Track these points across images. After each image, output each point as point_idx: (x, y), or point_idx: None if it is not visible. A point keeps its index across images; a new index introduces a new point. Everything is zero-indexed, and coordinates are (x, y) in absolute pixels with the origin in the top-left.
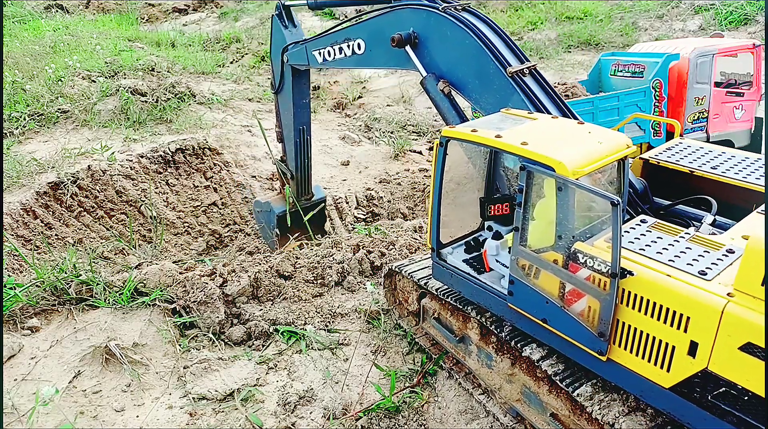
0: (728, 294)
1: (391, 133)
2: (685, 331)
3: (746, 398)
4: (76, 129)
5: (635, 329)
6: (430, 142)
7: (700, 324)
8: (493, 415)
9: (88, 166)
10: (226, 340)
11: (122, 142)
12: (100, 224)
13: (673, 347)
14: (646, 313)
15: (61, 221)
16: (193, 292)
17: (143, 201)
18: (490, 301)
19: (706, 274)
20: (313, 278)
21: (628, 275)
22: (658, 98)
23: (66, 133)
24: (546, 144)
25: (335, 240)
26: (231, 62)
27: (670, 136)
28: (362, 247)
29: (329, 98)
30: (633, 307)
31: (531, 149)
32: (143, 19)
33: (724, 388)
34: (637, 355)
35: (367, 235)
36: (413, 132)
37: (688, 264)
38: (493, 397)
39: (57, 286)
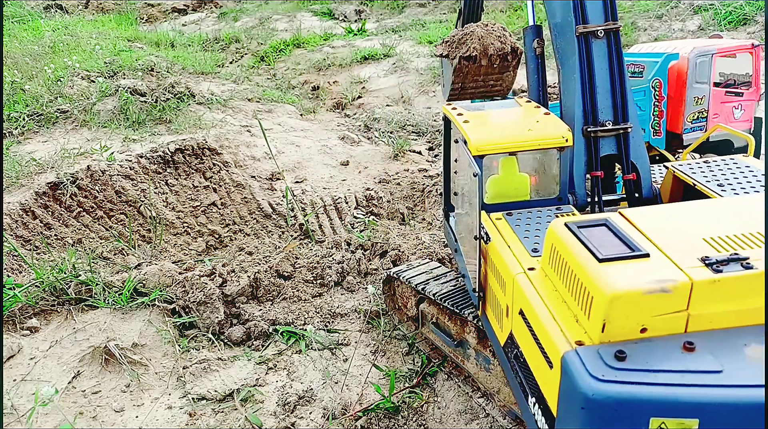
0: (530, 268)
1: (391, 133)
2: (504, 294)
3: (522, 360)
4: (76, 129)
5: (492, 290)
6: (429, 142)
7: (508, 289)
8: (492, 417)
9: (88, 166)
10: (225, 341)
11: (121, 142)
12: (99, 224)
13: (501, 308)
14: (494, 277)
15: (61, 221)
16: (193, 293)
17: (142, 201)
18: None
19: (538, 251)
20: (312, 278)
21: (488, 241)
22: (657, 98)
23: (65, 133)
24: (479, 124)
25: (335, 240)
26: (230, 62)
27: (670, 135)
28: (362, 247)
29: (329, 98)
30: (490, 270)
31: (462, 126)
32: (142, 19)
33: (515, 351)
34: (493, 313)
35: (367, 238)
36: (413, 132)
37: (535, 242)
38: (492, 400)
39: (56, 286)
